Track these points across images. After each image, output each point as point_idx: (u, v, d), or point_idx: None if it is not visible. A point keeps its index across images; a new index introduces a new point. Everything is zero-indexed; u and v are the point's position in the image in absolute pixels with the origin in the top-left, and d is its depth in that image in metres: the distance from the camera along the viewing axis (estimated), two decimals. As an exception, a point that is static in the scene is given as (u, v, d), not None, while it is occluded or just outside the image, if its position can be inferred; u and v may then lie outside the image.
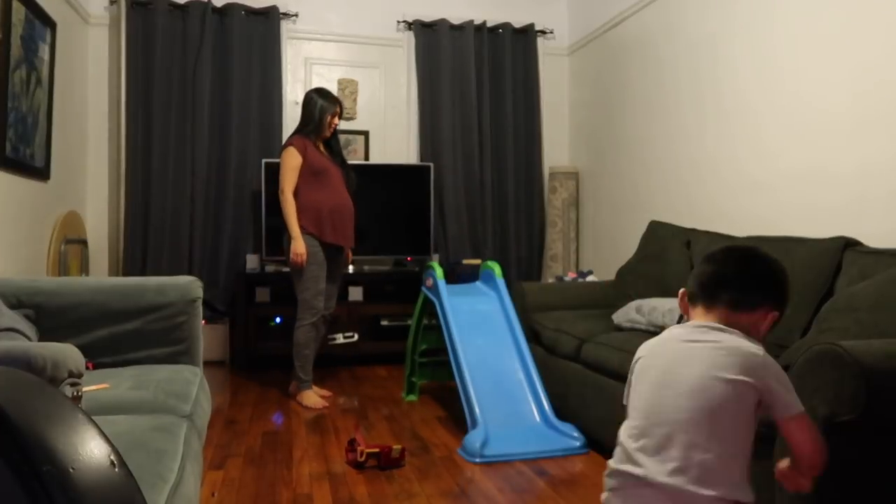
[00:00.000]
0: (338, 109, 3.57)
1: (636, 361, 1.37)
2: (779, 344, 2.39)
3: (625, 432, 1.28)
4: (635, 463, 1.22)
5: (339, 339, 4.39)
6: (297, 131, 3.56)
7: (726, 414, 1.20)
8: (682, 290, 1.40)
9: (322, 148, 3.59)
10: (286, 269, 3.79)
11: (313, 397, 3.49)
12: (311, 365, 3.55)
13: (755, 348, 1.26)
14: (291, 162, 3.44)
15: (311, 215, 3.46)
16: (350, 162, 4.70)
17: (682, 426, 1.20)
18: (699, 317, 1.34)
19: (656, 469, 1.19)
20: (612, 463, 1.28)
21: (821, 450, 1.25)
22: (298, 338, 3.53)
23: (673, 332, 1.36)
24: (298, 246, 3.41)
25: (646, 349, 1.37)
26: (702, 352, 1.25)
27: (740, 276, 1.36)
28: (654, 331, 2.59)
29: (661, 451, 1.20)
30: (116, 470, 0.65)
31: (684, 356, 1.27)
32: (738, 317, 1.32)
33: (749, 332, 1.31)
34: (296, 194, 3.46)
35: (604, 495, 1.28)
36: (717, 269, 1.35)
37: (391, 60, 4.93)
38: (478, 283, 3.63)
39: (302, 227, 3.45)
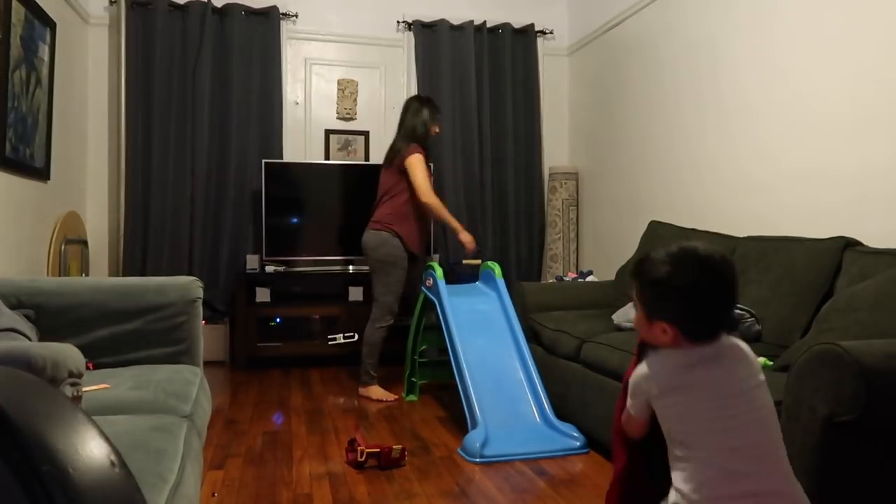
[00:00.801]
0: (437, 118, 3.74)
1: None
2: (779, 344, 2.40)
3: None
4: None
5: (340, 339, 4.39)
6: (413, 140, 3.63)
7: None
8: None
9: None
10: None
11: (380, 390, 3.61)
12: (378, 361, 3.67)
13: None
14: (423, 165, 3.58)
15: (408, 222, 3.61)
16: (350, 162, 4.74)
17: None
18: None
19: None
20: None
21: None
22: (374, 338, 3.62)
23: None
24: (467, 235, 3.69)
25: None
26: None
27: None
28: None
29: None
30: (116, 470, 0.65)
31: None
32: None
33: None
34: (397, 197, 3.62)
35: None
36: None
37: (391, 60, 4.93)
38: (478, 284, 3.63)
39: (394, 231, 3.58)
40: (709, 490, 1.18)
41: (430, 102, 3.73)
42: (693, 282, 1.25)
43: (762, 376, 1.27)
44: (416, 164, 3.55)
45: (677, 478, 1.23)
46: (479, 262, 4.10)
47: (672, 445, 1.26)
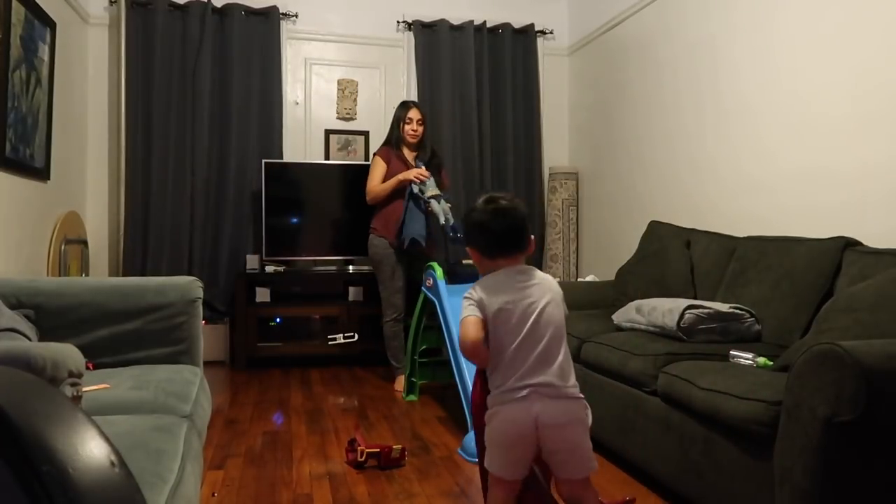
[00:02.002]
0: (410, 116, 3.83)
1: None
2: (779, 344, 2.40)
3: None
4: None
5: (339, 339, 4.40)
6: (386, 143, 3.92)
7: None
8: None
9: (409, 156, 3.88)
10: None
11: (402, 381, 3.73)
12: (401, 353, 3.81)
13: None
14: (379, 165, 3.82)
15: (385, 220, 3.80)
16: (350, 162, 4.74)
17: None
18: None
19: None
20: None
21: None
22: (385, 332, 3.86)
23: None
24: (408, 172, 3.72)
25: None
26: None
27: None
28: (654, 331, 2.59)
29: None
30: (116, 470, 0.65)
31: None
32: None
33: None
34: (381, 199, 3.81)
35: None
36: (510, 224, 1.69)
37: (391, 60, 4.93)
38: (478, 284, 3.62)
39: (375, 230, 3.82)
40: (502, 382, 1.57)
41: (402, 103, 3.95)
42: (479, 214, 1.71)
43: (555, 297, 1.64)
44: (372, 166, 3.87)
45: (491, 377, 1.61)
46: None
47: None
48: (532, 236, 1.74)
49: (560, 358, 1.58)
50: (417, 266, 3.72)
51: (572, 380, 1.59)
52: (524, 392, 1.54)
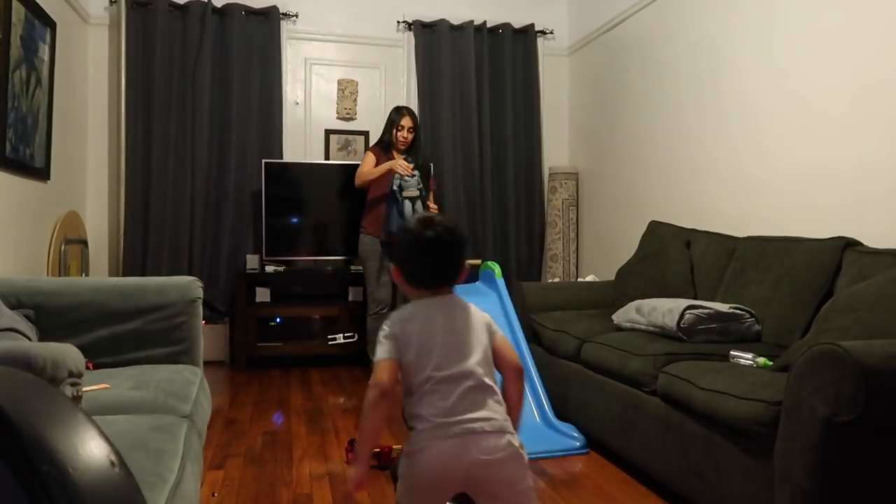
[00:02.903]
0: (402, 123, 3.96)
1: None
2: (779, 344, 2.40)
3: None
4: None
5: (339, 339, 4.40)
6: (377, 143, 4.09)
7: None
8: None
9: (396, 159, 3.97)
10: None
11: None
12: None
13: None
14: (369, 159, 3.99)
15: (374, 219, 3.93)
16: (350, 162, 4.73)
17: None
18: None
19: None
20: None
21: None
22: (368, 325, 4.00)
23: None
24: (395, 162, 3.83)
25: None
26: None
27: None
28: (654, 331, 2.59)
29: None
30: (116, 470, 0.65)
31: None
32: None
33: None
34: (366, 195, 3.99)
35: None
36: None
37: (391, 60, 4.93)
38: (478, 283, 3.63)
39: (364, 228, 3.97)
40: (428, 418, 1.39)
41: (396, 108, 4.08)
42: (408, 238, 1.53)
43: (483, 326, 1.52)
44: (363, 160, 4.01)
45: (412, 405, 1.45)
46: (479, 261, 4.10)
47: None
48: (468, 262, 1.59)
49: (491, 390, 1.43)
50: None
51: (503, 413, 1.43)
52: (454, 428, 1.36)
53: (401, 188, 3.78)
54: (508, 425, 1.42)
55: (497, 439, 1.37)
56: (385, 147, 4.01)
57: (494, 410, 1.41)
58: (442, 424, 1.37)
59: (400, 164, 3.80)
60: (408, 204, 3.75)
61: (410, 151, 4.02)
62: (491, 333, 1.52)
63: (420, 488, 1.40)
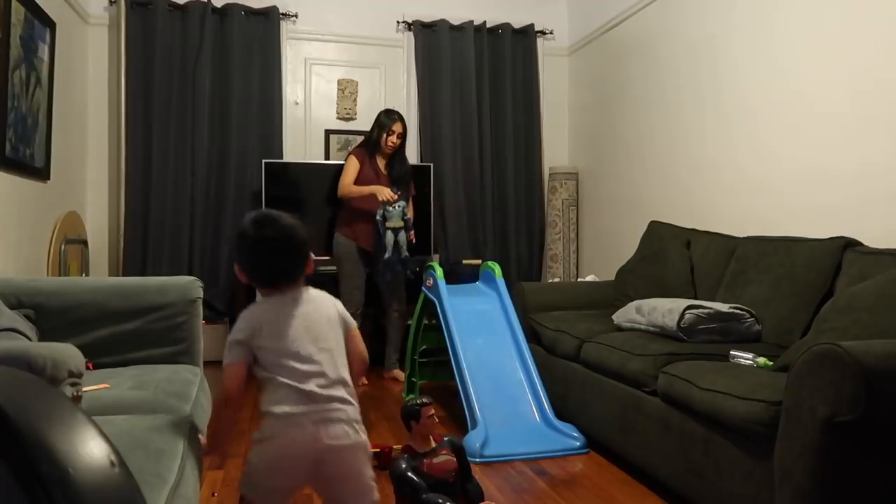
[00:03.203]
0: (393, 129, 3.96)
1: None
2: (779, 344, 2.40)
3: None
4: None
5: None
6: (362, 144, 4.08)
7: None
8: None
9: (380, 163, 4.02)
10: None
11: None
12: None
13: None
14: (352, 164, 3.98)
15: (350, 221, 3.97)
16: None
17: None
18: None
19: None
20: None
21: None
22: None
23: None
24: (381, 189, 3.82)
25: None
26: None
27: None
28: (654, 331, 2.59)
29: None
30: (116, 470, 0.65)
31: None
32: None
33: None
34: (345, 200, 3.99)
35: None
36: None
37: (391, 61, 4.93)
38: (478, 284, 3.63)
39: (339, 228, 4.01)
40: (279, 406, 1.46)
41: (387, 111, 4.06)
42: (243, 239, 1.53)
43: (331, 318, 1.57)
44: (346, 164, 4.00)
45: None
46: (479, 261, 4.10)
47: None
48: (312, 256, 1.58)
49: (343, 381, 1.49)
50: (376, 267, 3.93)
51: (355, 404, 1.50)
52: (306, 417, 1.43)
53: (384, 218, 3.82)
54: (358, 417, 1.49)
55: (347, 427, 1.46)
56: (371, 150, 4.00)
57: (345, 402, 1.48)
58: (295, 414, 1.43)
59: (385, 193, 3.79)
60: (390, 234, 3.81)
61: (396, 156, 4.04)
62: (345, 325, 1.60)
63: (268, 476, 1.44)
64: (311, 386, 1.45)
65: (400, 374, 4.02)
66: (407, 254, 3.84)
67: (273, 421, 1.46)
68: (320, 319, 1.54)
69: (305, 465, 1.45)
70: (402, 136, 4.02)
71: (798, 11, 2.96)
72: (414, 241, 3.94)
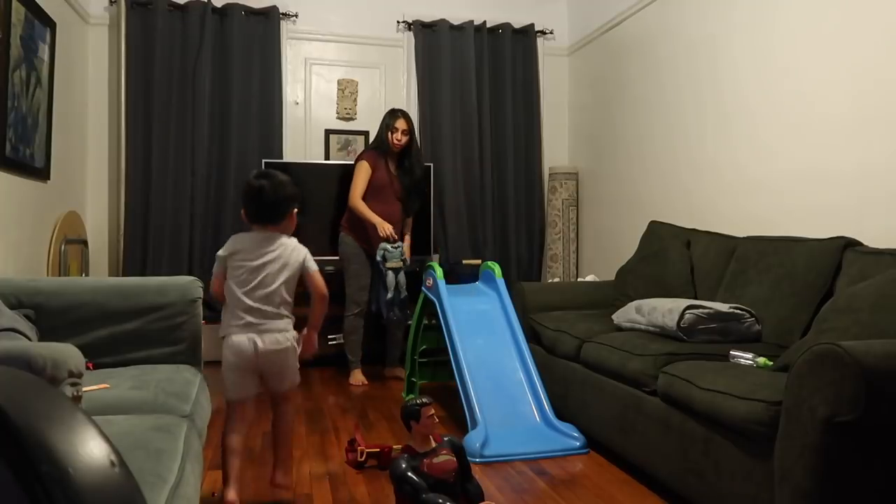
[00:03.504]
0: (396, 126, 3.95)
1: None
2: (779, 344, 2.40)
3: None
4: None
5: (339, 339, 4.39)
6: (372, 146, 4.08)
7: None
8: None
9: (391, 164, 4.01)
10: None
11: (357, 375, 3.99)
12: (357, 348, 4.03)
13: None
14: (363, 171, 3.95)
15: (355, 223, 3.97)
16: (350, 162, 4.72)
17: None
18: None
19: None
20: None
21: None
22: (346, 326, 4.03)
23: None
24: (384, 224, 3.85)
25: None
26: None
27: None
28: (654, 331, 2.59)
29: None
30: (116, 470, 0.65)
31: None
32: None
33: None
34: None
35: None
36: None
37: (391, 61, 4.93)
38: (478, 284, 3.63)
39: (345, 228, 4.03)
40: (231, 318, 2.04)
41: (391, 110, 4.05)
42: (246, 186, 2.10)
43: (288, 262, 2.07)
44: (357, 170, 3.98)
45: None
46: (479, 261, 4.10)
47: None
48: (295, 211, 2.10)
49: (285, 306, 2.06)
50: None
51: (285, 322, 2.06)
52: (252, 328, 2.01)
53: (384, 259, 3.84)
54: (289, 328, 2.07)
55: (279, 335, 2.04)
56: (381, 151, 3.99)
57: (281, 319, 2.05)
58: (245, 324, 2.01)
59: (386, 229, 3.82)
60: (391, 275, 3.82)
61: (406, 156, 4.03)
62: (305, 268, 2.09)
63: (234, 359, 2.03)
64: (255, 306, 2.02)
65: (401, 372, 4.02)
66: (406, 294, 3.88)
67: (229, 318, 2.04)
68: (282, 257, 2.05)
69: (250, 363, 2.03)
70: (409, 134, 3.99)
71: (798, 11, 2.97)
72: (410, 261, 4.00)
